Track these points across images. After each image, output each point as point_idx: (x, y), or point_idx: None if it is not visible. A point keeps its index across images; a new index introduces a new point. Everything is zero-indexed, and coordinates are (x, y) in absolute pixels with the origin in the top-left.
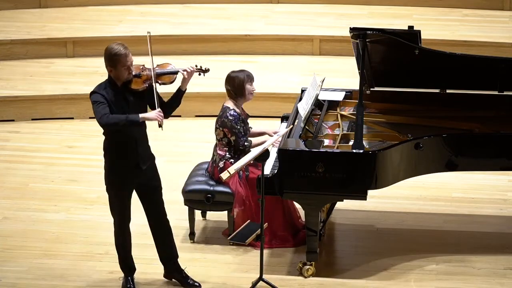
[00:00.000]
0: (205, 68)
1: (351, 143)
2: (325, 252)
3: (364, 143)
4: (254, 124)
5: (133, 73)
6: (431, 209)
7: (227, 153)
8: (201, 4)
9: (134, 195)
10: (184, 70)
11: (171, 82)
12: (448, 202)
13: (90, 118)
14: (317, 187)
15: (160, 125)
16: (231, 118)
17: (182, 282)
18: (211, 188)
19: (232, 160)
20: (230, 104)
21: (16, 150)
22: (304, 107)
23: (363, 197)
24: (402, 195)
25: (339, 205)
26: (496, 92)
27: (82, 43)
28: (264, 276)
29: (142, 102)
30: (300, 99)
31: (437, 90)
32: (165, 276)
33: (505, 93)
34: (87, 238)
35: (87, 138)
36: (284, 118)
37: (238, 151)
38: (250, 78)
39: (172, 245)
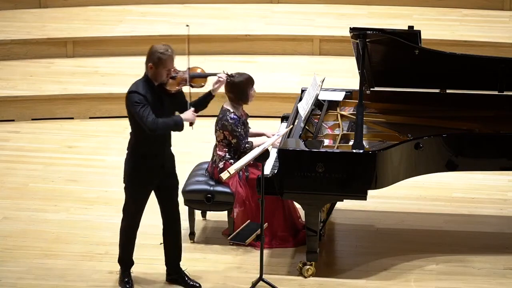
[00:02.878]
0: (232, 74)
1: (351, 143)
2: (325, 252)
3: (364, 143)
4: (254, 124)
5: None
6: (431, 209)
7: (227, 154)
8: (201, 4)
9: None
10: (220, 76)
11: (202, 86)
12: (448, 202)
13: (90, 118)
14: (317, 187)
15: (191, 124)
16: (231, 121)
17: (182, 283)
18: (211, 188)
19: (232, 161)
20: (230, 106)
21: (16, 150)
22: (304, 107)
23: (363, 197)
24: (402, 195)
25: (339, 205)
26: (496, 92)
27: (82, 43)
28: (264, 276)
29: (174, 103)
30: (300, 99)
31: (437, 90)
32: (167, 279)
33: (505, 93)
34: (87, 238)
35: (87, 138)
36: (284, 118)
37: (238, 152)
38: (251, 82)
39: (180, 247)
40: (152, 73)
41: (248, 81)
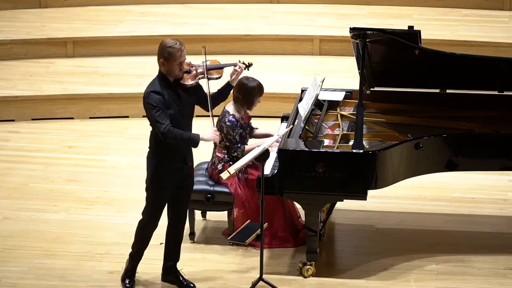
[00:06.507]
0: (249, 63)
1: (351, 143)
2: (325, 252)
3: (364, 143)
4: (254, 124)
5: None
6: (431, 209)
7: (226, 156)
8: (201, 4)
9: None
10: (237, 66)
11: (218, 78)
12: (448, 202)
13: (90, 118)
14: (317, 187)
15: (215, 144)
16: (228, 124)
17: (177, 283)
18: (211, 188)
19: (231, 163)
20: (231, 108)
21: (16, 150)
22: (304, 107)
23: (363, 197)
24: (402, 195)
25: (339, 205)
26: (496, 92)
27: (82, 43)
28: (264, 276)
29: (191, 97)
30: (300, 99)
31: (437, 90)
32: (162, 279)
33: (505, 93)
34: (87, 238)
35: (87, 138)
36: (284, 118)
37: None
38: (261, 91)
39: (180, 248)
40: (165, 69)
41: (259, 89)
